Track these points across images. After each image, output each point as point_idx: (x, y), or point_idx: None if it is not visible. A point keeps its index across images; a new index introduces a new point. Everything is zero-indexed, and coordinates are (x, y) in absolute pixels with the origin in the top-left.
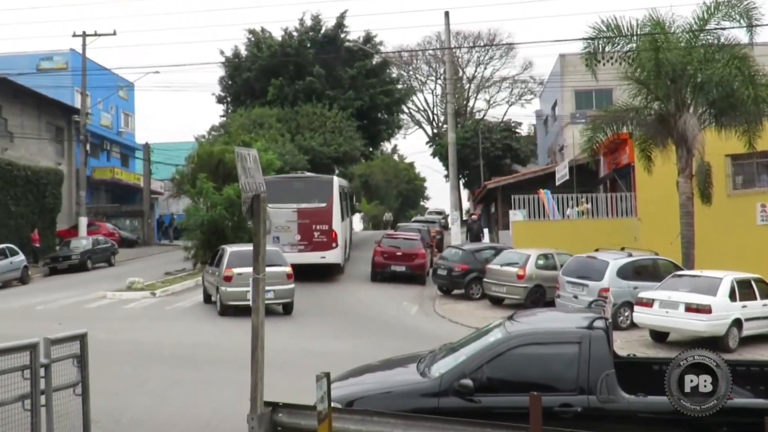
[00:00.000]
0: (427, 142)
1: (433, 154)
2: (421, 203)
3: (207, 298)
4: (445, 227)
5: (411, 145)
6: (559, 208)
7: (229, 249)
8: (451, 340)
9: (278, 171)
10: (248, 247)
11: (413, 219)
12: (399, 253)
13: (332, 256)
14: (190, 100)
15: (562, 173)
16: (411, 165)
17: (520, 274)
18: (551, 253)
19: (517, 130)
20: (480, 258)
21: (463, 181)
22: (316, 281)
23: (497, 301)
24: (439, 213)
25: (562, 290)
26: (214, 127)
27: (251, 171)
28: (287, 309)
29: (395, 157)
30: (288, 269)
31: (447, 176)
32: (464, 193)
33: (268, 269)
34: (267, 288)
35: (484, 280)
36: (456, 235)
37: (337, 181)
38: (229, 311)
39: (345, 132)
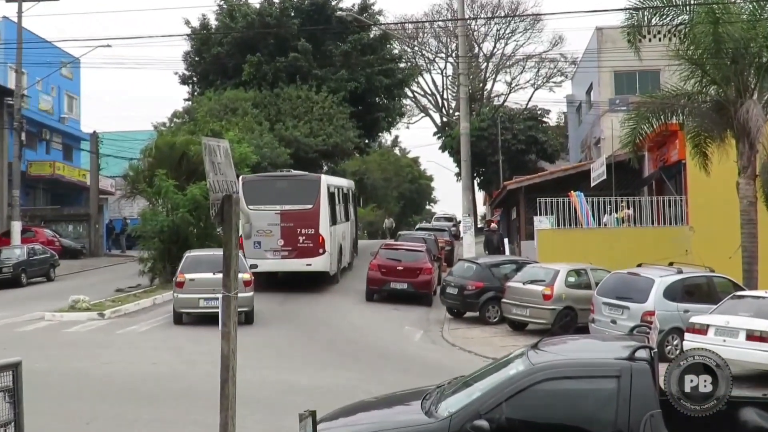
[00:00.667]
0: (435, 134)
1: (443, 148)
2: (427, 207)
3: (177, 318)
4: (456, 236)
5: (415, 137)
6: (594, 215)
7: (188, 253)
8: (462, 373)
9: (254, 167)
10: (207, 252)
11: (417, 226)
12: (400, 268)
13: (319, 264)
14: (148, 80)
15: (598, 172)
16: (415, 161)
17: (547, 293)
18: (585, 268)
19: (545, 120)
20: (498, 274)
21: (479, 180)
22: (303, 293)
23: (519, 326)
24: (449, 219)
25: (597, 313)
26: (177, 113)
27: (221, 167)
28: (248, 318)
29: (396, 150)
30: (246, 275)
31: (459, 175)
32: (479, 196)
33: (221, 276)
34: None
35: (503, 300)
36: (469, 246)
37: (325, 180)
38: (184, 320)
39: (336, 120)
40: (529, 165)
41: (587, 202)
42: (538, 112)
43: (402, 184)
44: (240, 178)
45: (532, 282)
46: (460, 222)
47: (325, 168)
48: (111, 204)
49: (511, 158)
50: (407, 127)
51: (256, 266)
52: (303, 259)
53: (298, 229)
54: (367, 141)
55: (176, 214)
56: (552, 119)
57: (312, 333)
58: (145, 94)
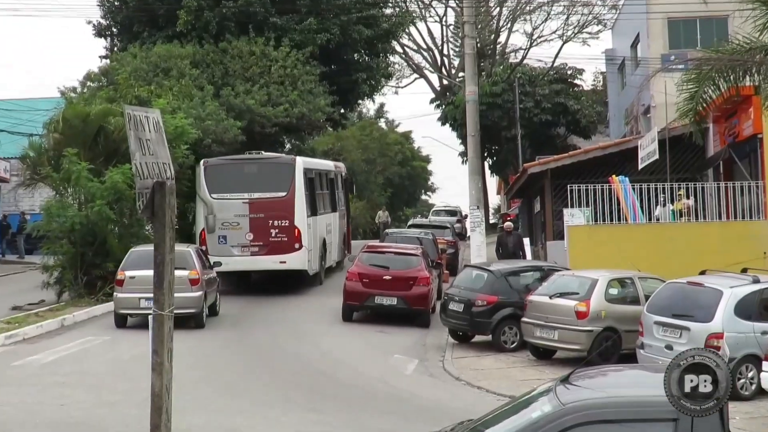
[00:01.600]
0: (432, 101)
1: (443, 120)
2: (423, 197)
3: (119, 321)
4: (462, 235)
5: (407, 106)
6: (642, 206)
7: (133, 248)
8: (471, 416)
9: (194, 145)
10: (150, 247)
11: (410, 223)
12: (387, 277)
13: (295, 261)
14: (54, 32)
15: (647, 150)
16: (406, 136)
17: (582, 310)
18: (630, 277)
19: (577, 82)
20: (517, 285)
21: (491, 162)
22: (273, 298)
23: (544, 354)
24: (452, 213)
25: (647, 336)
26: (92, 75)
27: (151, 145)
28: (197, 322)
29: (381, 123)
30: (191, 273)
31: (464, 155)
32: (492, 182)
33: None
34: None
35: (524, 320)
36: (479, 247)
37: (301, 163)
38: (125, 323)
39: (301, 84)
40: (556, 141)
41: (633, 189)
42: (568, 73)
43: (389, 167)
44: (201, 162)
45: (561, 295)
46: (466, 216)
47: (286, 147)
48: (4, 195)
49: (534, 133)
50: (396, 93)
51: (219, 264)
52: (276, 256)
53: (270, 221)
54: (342, 111)
55: (91, 208)
56: (586, 81)
57: (276, 360)
58: (50, 51)
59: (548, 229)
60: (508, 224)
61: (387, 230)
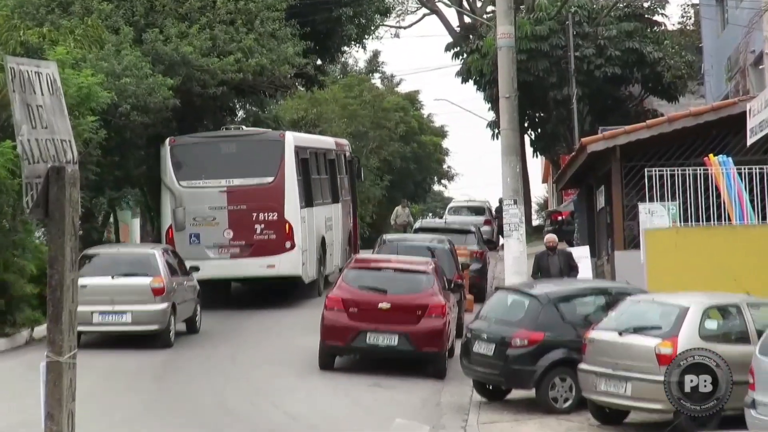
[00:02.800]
0: (449, 47)
1: (464, 75)
2: (437, 188)
3: None
4: (492, 243)
5: (412, 54)
6: (753, 200)
7: (85, 252)
8: None
9: (107, 113)
10: (109, 249)
11: (418, 225)
12: (384, 305)
13: (287, 264)
14: None
15: (762, 118)
16: (412, 99)
17: (666, 352)
18: (736, 303)
19: (658, 18)
20: (572, 315)
21: (533, 136)
22: (256, 316)
23: (612, 416)
24: (479, 210)
25: (762, 390)
26: None
27: (45, 113)
28: (163, 341)
29: (376, 81)
30: (155, 281)
31: (495, 125)
32: (535, 165)
33: (124, 281)
34: (122, 309)
35: (582, 366)
36: (517, 260)
37: (292, 139)
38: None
39: (261, 23)
40: (628, 106)
41: (740, 175)
42: (645, 6)
43: (386, 144)
44: (167, 140)
45: (636, 330)
46: (498, 216)
47: (240, 114)
48: None
49: (595, 93)
50: (396, 36)
51: (197, 269)
52: (262, 258)
53: (254, 214)
54: (319, 63)
55: None
56: (671, 18)
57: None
58: None
59: (616, 234)
60: (550, 237)
61: (385, 236)
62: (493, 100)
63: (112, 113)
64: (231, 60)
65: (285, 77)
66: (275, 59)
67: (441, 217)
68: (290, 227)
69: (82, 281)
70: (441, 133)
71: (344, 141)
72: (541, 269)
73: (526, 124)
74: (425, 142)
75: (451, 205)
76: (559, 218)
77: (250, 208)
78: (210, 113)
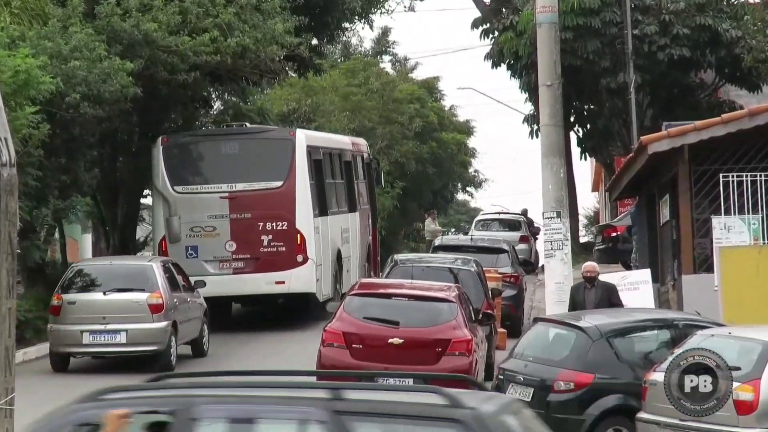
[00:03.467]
0: (476, 24)
1: (495, 58)
2: (461, 196)
3: (58, 362)
4: (530, 265)
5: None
6: None
7: (75, 264)
8: None
9: (50, 103)
10: (102, 262)
11: (438, 243)
12: (396, 341)
13: (299, 280)
14: None
15: None
16: (430, 87)
17: (746, 398)
18: None
19: None
20: (629, 353)
21: (581, 133)
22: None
23: None
24: (513, 225)
25: None
26: None
27: None
28: (163, 364)
29: (385, 65)
30: (152, 296)
31: (534, 120)
32: (584, 169)
33: (118, 296)
34: (116, 328)
35: (641, 416)
36: (559, 286)
37: (303, 138)
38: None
39: None
40: (698, 96)
41: None
42: None
43: (399, 143)
44: (159, 139)
45: (706, 370)
46: (537, 232)
47: (217, 105)
48: None
49: (658, 80)
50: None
51: (203, 284)
52: (270, 274)
53: (261, 224)
54: (315, 42)
55: None
56: None
57: None
58: None
59: (684, 254)
60: (589, 266)
61: (396, 257)
62: (531, 89)
63: (58, 104)
64: (205, 39)
65: (272, 60)
66: (260, 38)
67: (466, 233)
68: (302, 238)
69: (70, 297)
70: (466, 129)
71: (362, 141)
72: (575, 306)
73: (572, 119)
74: (447, 141)
75: (478, 217)
76: (613, 234)
77: (256, 216)
78: (179, 105)
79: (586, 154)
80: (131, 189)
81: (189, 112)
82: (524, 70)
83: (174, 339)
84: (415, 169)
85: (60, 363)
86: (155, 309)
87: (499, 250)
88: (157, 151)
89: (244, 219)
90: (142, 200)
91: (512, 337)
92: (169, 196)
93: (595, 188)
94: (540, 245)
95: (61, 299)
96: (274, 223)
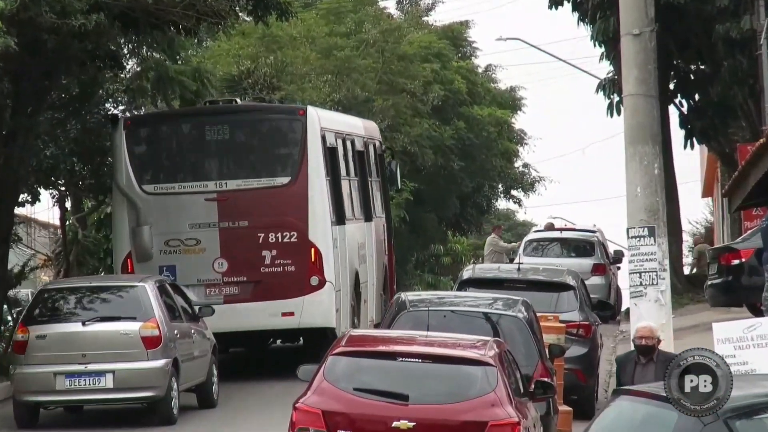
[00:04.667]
0: None
1: None
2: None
3: (24, 418)
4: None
5: None
6: None
7: (43, 286)
8: None
9: None
10: (78, 283)
11: (468, 274)
12: (402, 424)
13: (312, 311)
14: None
15: None
16: (456, 38)
17: None
18: None
19: None
20: None
21: (685, 108)
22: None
23: None
24: (582, 248)
25: None
26: None
27: None
28: (161, 414)
29: (386, 3)
30: (146, 326)
31: (613, 87)
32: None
33: (101, 327)
34: (100, 368)
35: None
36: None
37: (316, 116)
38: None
39: None
40: None
41: None
42: None
43: (409, 122)
44: (120, 121)
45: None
46: (618, 260)
47: (131, 64)
48: None
49: None
50: None
51: (211, 311)
52: (274, 303)
53: (261, 235)
54: None
55: None
56: None
57: None
58: None
59: None
60: (644, 329)
61: (404, 296)
62: (609, 41)
63: None
64: None
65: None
66: None
67: (511, 260)
68: (318, 254)
69: (40, 330)
70: (511, 102)
71: (372, 124)
72: (621, 382)
73: (671, 86)
74: (481, 120)
75: (530, 236)
76: (735, 262)
77: (255, 224)
78: (74, 65)
79: (694, 139)
80: (0, 193)
81: (89, 76)
82: (598, 10)
83: (175, 382)
84: (434, 163)
85: (27, 416)
86: (150, 343)
87: (562, 287)
88: (117, 137)
89: (238, 229)
90: (18, 210)
91: (581, 418)
92: (135, 199)
93: (707, 192)
94: (623, 278)
95: (26, 332)
96: (279, 234)
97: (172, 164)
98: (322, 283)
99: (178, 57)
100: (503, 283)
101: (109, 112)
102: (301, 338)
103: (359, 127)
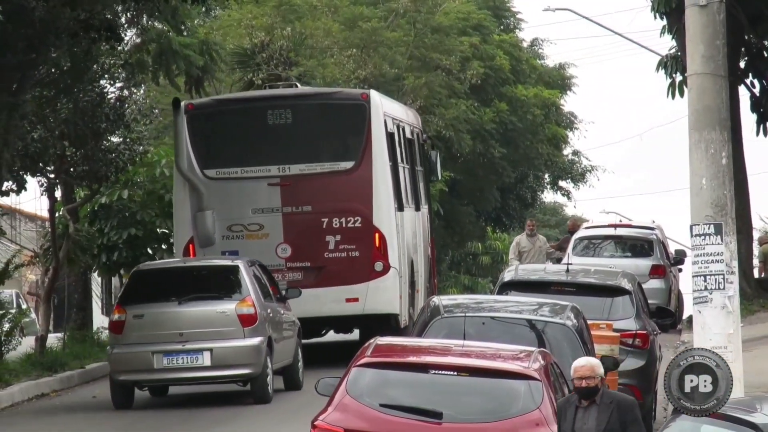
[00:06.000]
0: None
1: None
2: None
3: (121, 396)
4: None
5: None
6: None
7: (138, 268)
8: None
9: None
10: (173, 264)
11: (511, 276)
12: None
13: (377, 297)
14: None
15: None
16: (496, 7)
17: None
18: None
19: None
20: None
21: (757, 90)
22: None
23: None
24: (637, 245)
25: None
26: None
27: None
28: (257, 391)
29: None
30: (241, 304)
31: (676, 65)
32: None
33: (197, 306)
34: (198, 347)
35: None
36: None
37: (379, 101)
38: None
39: None
40: None
41: None
42: None
43: (444, 103)
44: (182, 105)
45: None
46: (680, 260)
47: (129, 36)
48: None
49: None
50: None
51: (298, 293)
52: (338, 288)
53: (325, 220)
54: None
55: None
56: None
57: None
58: None
59: None
60: (584, 367)
61: (437, 300)
62: (671, 12)
63: None
64: None
65: None
66: None
67: (558, 260)
68: (382, 239)
69: (137, 310)
70: (560, 81)
71: (414, 112)
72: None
73: (742, 64)
74: (525, 101)
75: (580, 234)
76: None
77: (319, 209)
78: (64, 35)
79: (767, 124)
80: None
81: (82, 49)
82: None
83: (269, 361)
84: (472, 149)
85: (122, 396)
86: (247, 321)
87: (616, 291)
88: (180, 122)
89: (301, 213)
90: (2, 200)
91: None
92: (198, 183)
93: None
94: (686, 282)
95: (123, 313)
96: (343, 219)
97: (235, 149)
98: (386, 268)
99: (182, 27)
100: (550, 286)
101: (173, 97)
102: (355, 330)
103: (408, 114)
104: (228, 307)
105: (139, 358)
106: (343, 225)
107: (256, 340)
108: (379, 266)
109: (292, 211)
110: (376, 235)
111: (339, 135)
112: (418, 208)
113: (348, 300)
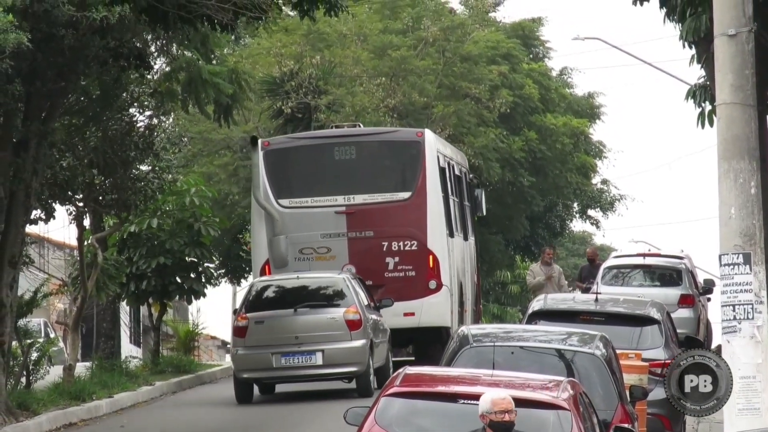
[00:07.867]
0: None
1: None
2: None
3: (243, 391)
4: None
5: None
6: None
7: (256, 281)
8: None
9: None
10: (286, 277)
11: (540, 305)
12: None
13: (431, 312)
14: None
15: None
16: (526, 36)
17: None
18: None
19: None
20: None
21: None
22: None
23: None
24: (666, 275)
25: None
26: None
27: None
28: (362, 386)
29: (456, 5)
30: (349, 311)
31: (705, 94)
32: None
33: (311, 313)
34: (311, 348)
35: None
36: (747, 384)
37: (433, 140)
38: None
39: None
40: None
41: None
42: None
43: (474, 131)
44: (259, 143)
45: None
46: (708, 289)
47: (159, 63)
48: None
49: None
50: None
51: (390, 303)
52: (397, 304)
53: (385, 243)
54: None
55: None
56: None
57: None
58: None
59: None
60: (503, 403)
61: (466, 329)
62: (700, 41)
63: None
64: None
65: None
66: None
67: (587, 289)
68: (435, 260)
69: (257, 316)
70: (589, 110)
71: (462, 153)
72: None
73: None
74: (554, 130)
75: (609, 262)
76: None
77: (380, 234)
78: (93, 64)
79: None
80: (10, 208)
81: (111, 77)
82: (689, 7)
83: (371, 361)
84: (501, 178)
85: (244, 392)
86: (353, 325)
87: (645, 320)
88: (256, 158)
89: (364, 238)
90: (30, 228)
91: None
92: (273, 212)
93: None
94: (714, 311)
95: (246, 319)
96: (401, 243)
97: (305, 181)
98: (439, 286)
99: (212, 56)
100: (579, 315)
101: (250, 135)
102: (411, 347)
103: (457, 154)
104: (337, 313)
105: (260, 359)
106: (401, 248)
107: (361, 342)
108: (432, 284)
109: (356, 236)
110: (430, 257)
111: (397, 169)
112: (466, 238)
113: (406, 314)
